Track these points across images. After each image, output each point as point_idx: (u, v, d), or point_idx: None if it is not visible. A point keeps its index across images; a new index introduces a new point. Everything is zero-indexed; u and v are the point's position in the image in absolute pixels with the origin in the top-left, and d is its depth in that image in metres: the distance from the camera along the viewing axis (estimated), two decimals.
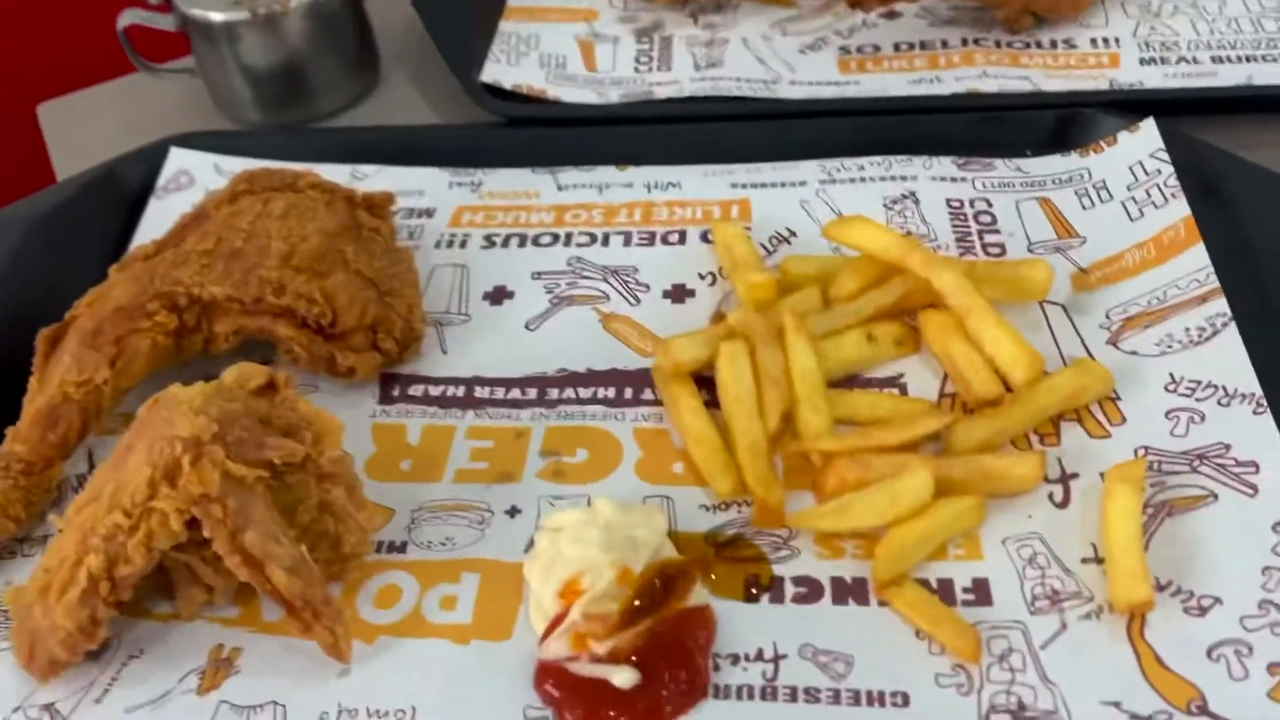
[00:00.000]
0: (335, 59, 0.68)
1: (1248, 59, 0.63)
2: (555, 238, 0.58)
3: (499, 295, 0.55)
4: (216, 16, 0.64)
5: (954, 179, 0.58)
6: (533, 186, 0.61)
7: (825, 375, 0.48)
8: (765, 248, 0.56)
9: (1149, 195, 0.54)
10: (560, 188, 0.61)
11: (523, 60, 0.67)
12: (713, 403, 0.48)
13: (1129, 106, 0.59)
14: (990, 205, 0.56)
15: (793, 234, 0.56)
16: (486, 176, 0.62)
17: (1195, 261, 0.50)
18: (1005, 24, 0.66)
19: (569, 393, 0.50)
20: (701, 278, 0.55)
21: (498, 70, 0.66)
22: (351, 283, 0.50)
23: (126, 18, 0.66)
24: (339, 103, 0.69)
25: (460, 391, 0.51)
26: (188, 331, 0.50)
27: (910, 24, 0.68)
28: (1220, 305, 0.47)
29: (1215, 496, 0.42)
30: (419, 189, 0.62)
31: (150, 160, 0.62)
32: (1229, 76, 0.61)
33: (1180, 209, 0.52)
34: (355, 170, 0.62)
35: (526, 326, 0.53)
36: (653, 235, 0.57)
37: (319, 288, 0.50)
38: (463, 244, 0.58)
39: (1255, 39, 0.64)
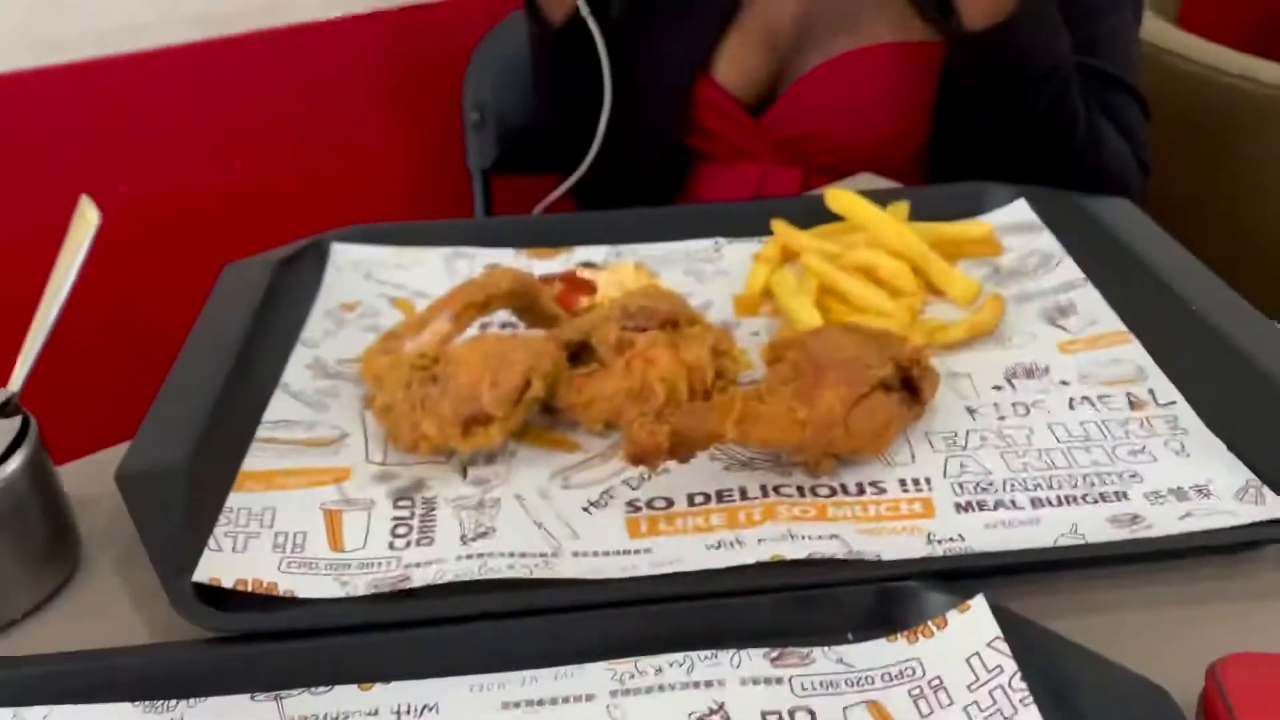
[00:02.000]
0: (13, 558, 0.55)
1: (1067, 500, 0.57)
2: None
3: None
4: None
5: (768, 680, 0.48)
6: None
7: None
8: None
9: (994, 701, 0.45)
10: None
11: (251, 544, 0.56)
12: None
13: (953, 572, 0.52)
14: (813, 717, 0.46)
15: None
16: (192, 711, 0.48)
17: None
18: (807, 468, 0.60)
19: None
20: None
21: (218, 563, 0.54)
22: None
23: None
24: (20, 608, 0.55)
25: None
26: None
27: (705, 468, 0.61)
28: None
29: None
30: None
31: None
32: (1052, 524, 0.56)
33: None
34: (17, 715, 0.48)
35: None
36: None
37: None
38: None
39: (1071, 475, 0.59)
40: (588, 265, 0.82)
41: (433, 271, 0.81)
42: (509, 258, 0.83)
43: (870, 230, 0.77)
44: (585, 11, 1.03)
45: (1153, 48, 1.45)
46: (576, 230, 0.86)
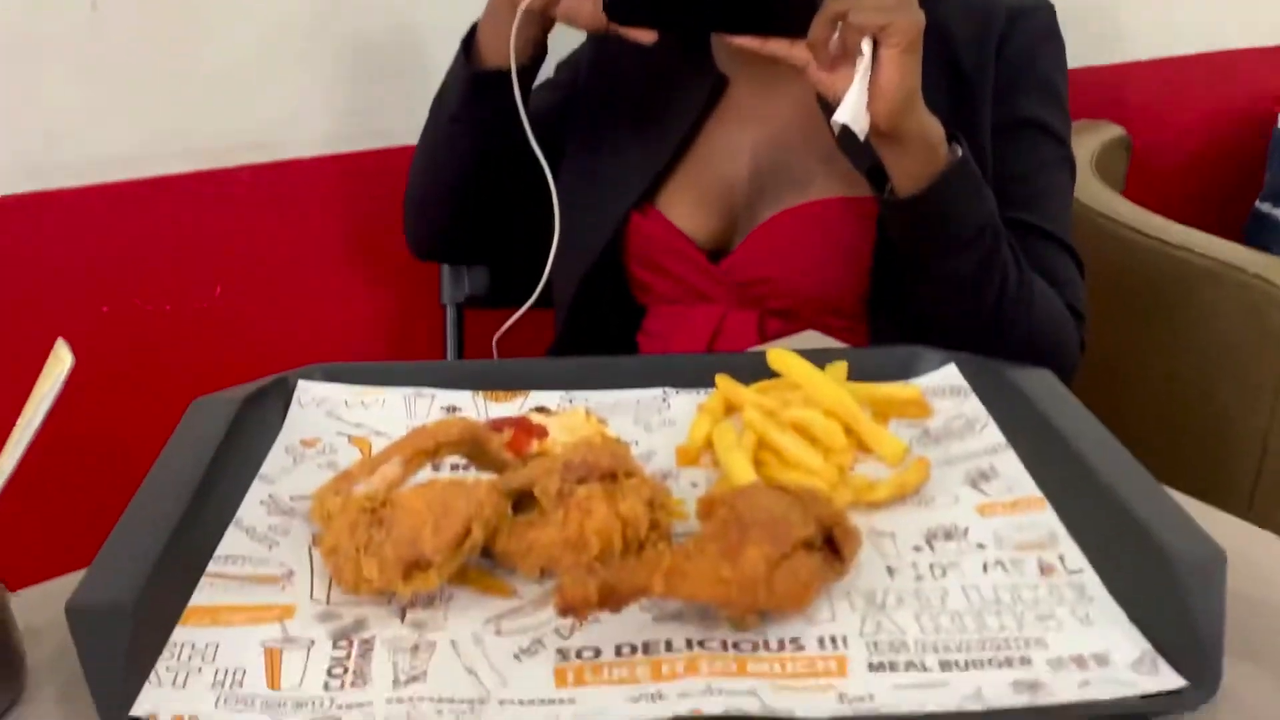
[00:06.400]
0: None
1: (973, 664, 0.60)
2: None
3: None
4: None
5: None
6: None
7: None
8: None
9: None
10: None
11: (191, 680, 0.58)
12: None
13: None
14: None
15: None
16: None
17: None
18: (731, 623, 0.63)
19: None
20: None
21: (156, 698, 0.56)
22: None
23: None
24: None
25: None
26: None
27: (635, 619, 0.64)
28: None
29: None
30: None
31: None
32: (959, 687, 0.58)
33: None
34: None
35: None
36: None
37: None
38: None
39: (980, 639, 0.62)
40: (541, 410, 0.86)
41: (392, 411, 0.85)
42: (467, 399, 0.87)
43: (806, 389, 0.81)
44: (533, 141, 1.08)
45: (1099, 215, 1.53)
46: (533, 375, 0.90)
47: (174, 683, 0.58)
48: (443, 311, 1.45)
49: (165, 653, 0.59)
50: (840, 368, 0.85)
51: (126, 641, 0.58)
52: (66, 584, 0.64)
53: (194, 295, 1.39)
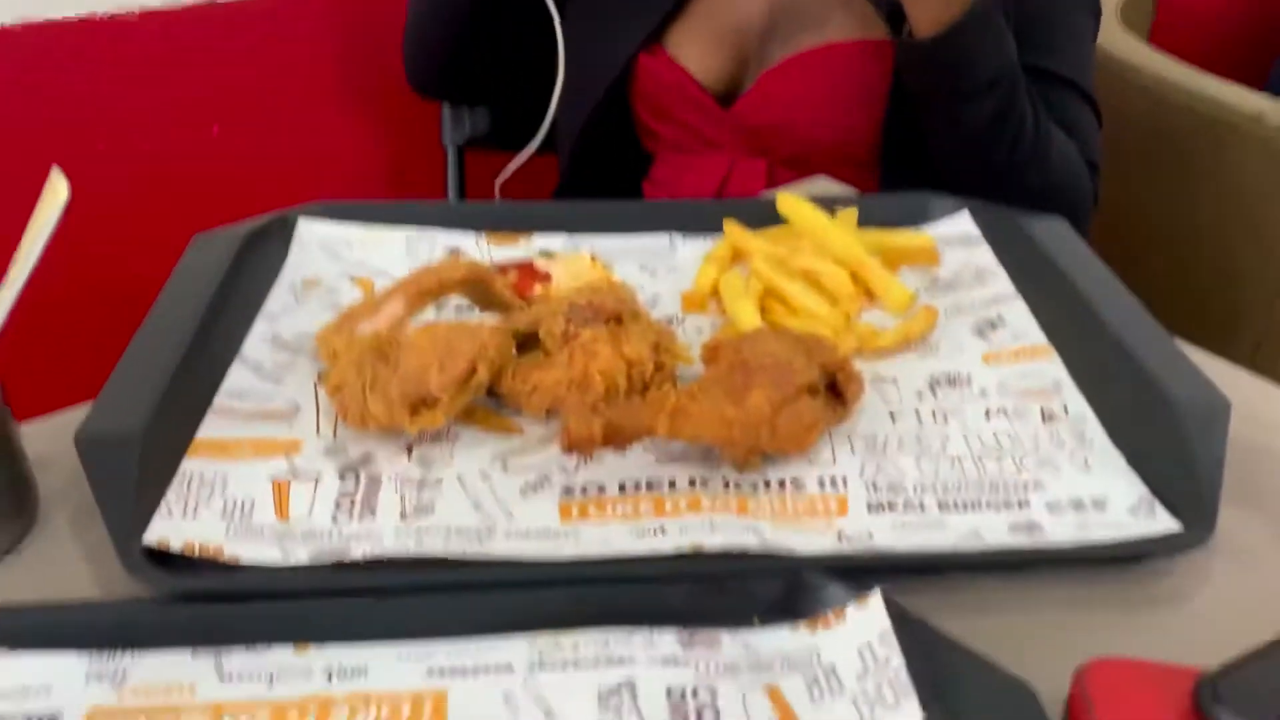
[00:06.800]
0: None
1: (971, 506, 0.61)
2: None
3: None
4: None
5: (676, 660, 0.52)
6: (188, 677, 0.51)
7: None
8: None
9: (880, 692, 0.49)
10: (223, 678, 0.51)
11: (201, 510, 0.59)
12: None
13: (858, 568, 0.56)
14: (714, 697, 0.50)
15: None
16: (135, 663, 0.51)
17: None
18: (733, 464, 0.64)
19: None
20: None
21: (167, 527, 0.57)
22: None
23: None
24: None
25: None
26: None
27: (638, 459, 0.65)
28: None
29: None
30: (47, 683, 0.51)
31: None
32: (956, 528, 0.59)
33: (912, 712, 0.47)
34: None
35: None
36: None
37: None
38: None
39: (978, 481, 0.63)
40: (545, 254, 0.85)
41: (394, 252, 0.84)
42: (470, 242, 0.86)
43: (815, 236, 0.80)
44: None
45: (1120, 63, 1.48)
46: (537, 217, 0.89)
47: (184, 513, 0.59)
48: (443, 153, 1.42)
49: (174, 483, 0.60)
50: (850, 214, 0.84)
51: (136, 471, 0.59)
52: (74, 416, 0.65)
53: (191, 133, 1.36)
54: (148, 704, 0.50)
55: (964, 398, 0.70)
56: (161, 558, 0.56)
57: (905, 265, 0.82)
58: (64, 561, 0.60)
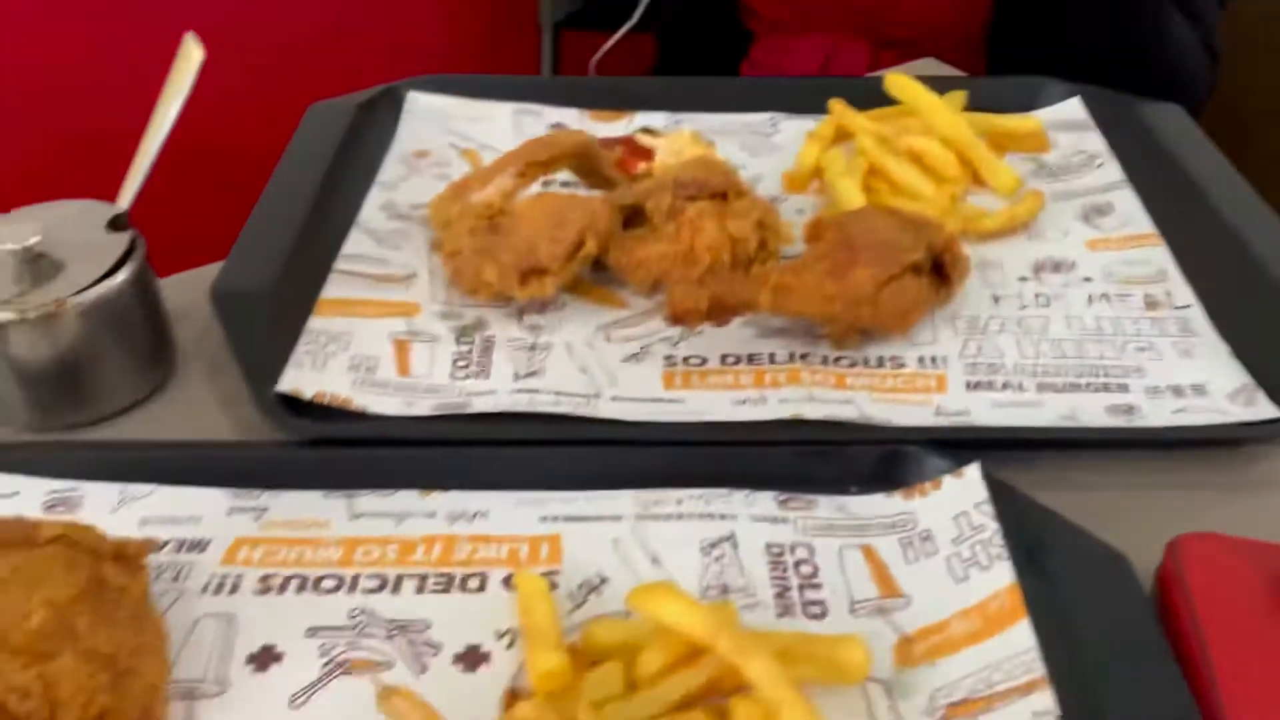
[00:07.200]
0: (120, 358, 0.62)
1: (1070, 387, 0.62)
2: (339, 582, 0.52)
3: (265, 658, 0.48)
4: None
5: (775, 519, 0.54)
6: (323, 514, 0.55)
7: None
8: (573, 597, 0.51)
9: (974, 554, 0.51)
10: (354, 516, 0.55)
11: (330, 364, 0.63)
12: None
13: (955, 442, 0.57)
14: (812, 553, 0.53)
15: (604, 580, 0.52)
16: (274, 500, 0.56)
17: (1021, 640, 0.46)
18: (832, 341, 0.65)
19: None
20: (500, 636, 0.49)
21: (299, 377, 0.61)
22: (79, 668, 0.43)
23: None
24: (123, 403, 0.63)
25: None
26: None
27: (739, 333, 0.66)
28: (1045, 699, 0.44)
29: None
30: (195, 515, 0.55)
31: None
32: (1053, 407, 0.60)
33: (1005, 575, 0.49)
34: (125, 490, 0.56)
35: (291, 702, 0.47)
36: (450, 579, 0.52)
37: (39, 675, 0.42)
38: (234, 588, 0.51)
39: (1079, 365, 0.63)
40: (647, 131, 0.85)
41: (500, 126, 0.86)
42: (573, 118, 0.87)
43: (923, 116, 0.79)
44: None
45: None
46: (640, 95, 0.89)
47: (313, 365, 0.62)
48: (538, 33, 1.42)
49: (303, 338, 0.64)
50: (959, 96, 0.83)
51: (268, 323, 0.62)
52: (206, 273, 0.69)
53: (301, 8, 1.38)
54: (287, 535, 0.54)
55: (1067, 282, 0.70)
56: (290, 406, 0.60)
57: (1013, 150, 0.81)
58: (200, 408, 0.64)
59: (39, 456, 0.57)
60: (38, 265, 0.60)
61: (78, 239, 0.62)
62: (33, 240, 0.60)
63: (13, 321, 0.59)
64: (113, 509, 0.55)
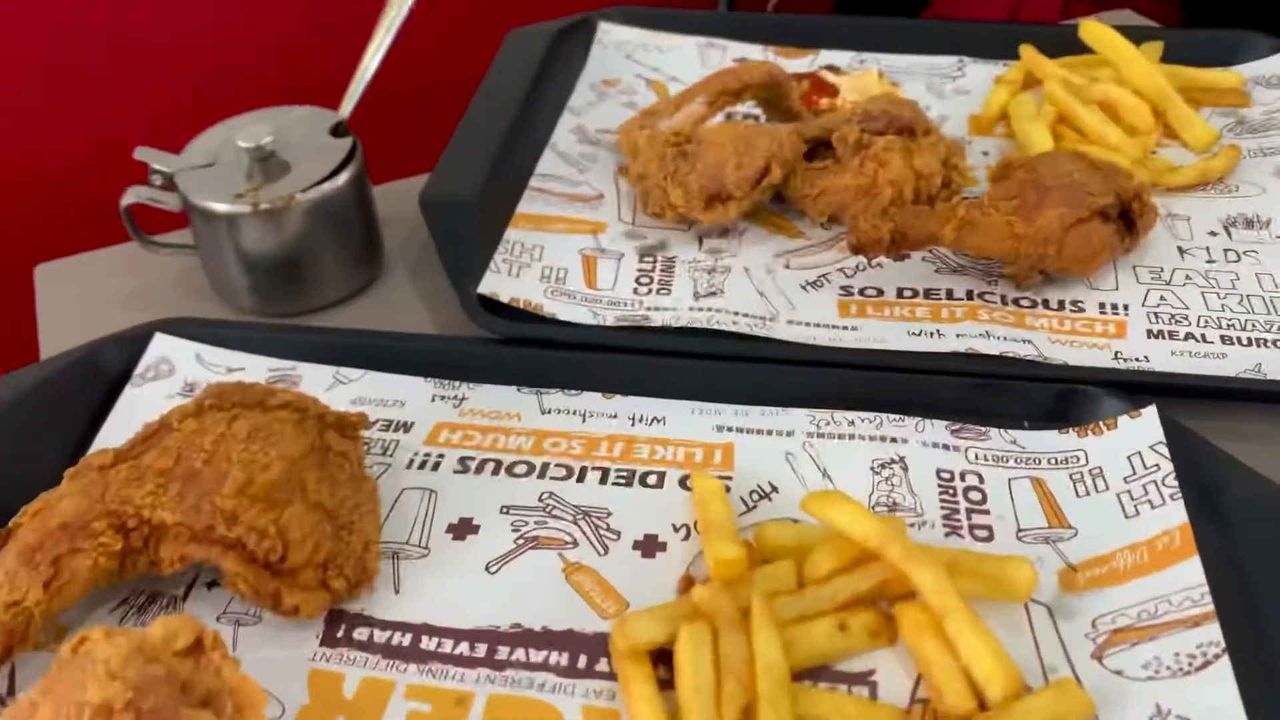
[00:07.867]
0: (336, 254, 0.68)
1: (1258, 342, 0.61)
2: (530, 468, 0.56)
3: (464, 529, 0.53)
4: (219, 207, 0.64)
5: (946, 446, 0.56)
6: (515, 407, 0.60)
7: (792, 666, 0.45)
8: (745, 502, 0.54)
9: (1146, 492, 0.51)
10: (544, 411, 0.59)
11: (524, 272, 0.67)
12: (672, 681, 0.45)
13: (1132, 386, 0.57)
14: (981, 481, 0.54)
15: (774, 489, 0.54)
16: (471, 392, 0.61)
17: (1190, 576, 0.47)
18: (1013, 280, 0.65)
19: (519, 654, 0.47)
20: (676, 530, 0.53)
21: (497, 282, 0.65)
22: (307, 517, 0.49)
23: (131, 196, 0.66)
24: (336, 295, 0.69)
25: (406, 640, 0.48)
26: (133, 552, 0.48)
27: (917, 268, 0.67)
28: (1213, 632, 0.45)
29: None
30: (400, 399, 0.60)
31: (135, 344, 0.62)
32: (1237, 360, 0.60)
33: (1178, 514, 0.50)
34: (339, 373, 0.61)
35: (487, 568, 0.51)
36: (631, 474, 0.55)
37: (273, 520, 0.48)
38: (435, 466, 0.56)
39: (1267, 320, 0.62)
40: (831, 69, 0.86)
41: (687, 58, 0.88)
42: (758, 53, 0.89)
43: (1118, 67, 0.78)
44: None
45: None
46: (824, 33, 0.90)
47: (509, 272, 0.67)
48: None
49: (500, 247, 0.68)
50: (1155, 47, 0.81)
51: (470, 230, 0.67)
52: (412, 184, 0.73)
53: None
54: (483, 424, 0.59)
55: (1260, 239, 0.68)
56: (488, 307, 0.65)
57: (1211, 105, 0.79)
58: (404, 305, 0.69)
59: (264, 336, 0.63)
60: (268, 163, 0.66)
61: (304, 141, 0.67)
62: (266, 140, 0.65)
63: (244, 214, 0.64)
64: (327, 388, 0.61)
